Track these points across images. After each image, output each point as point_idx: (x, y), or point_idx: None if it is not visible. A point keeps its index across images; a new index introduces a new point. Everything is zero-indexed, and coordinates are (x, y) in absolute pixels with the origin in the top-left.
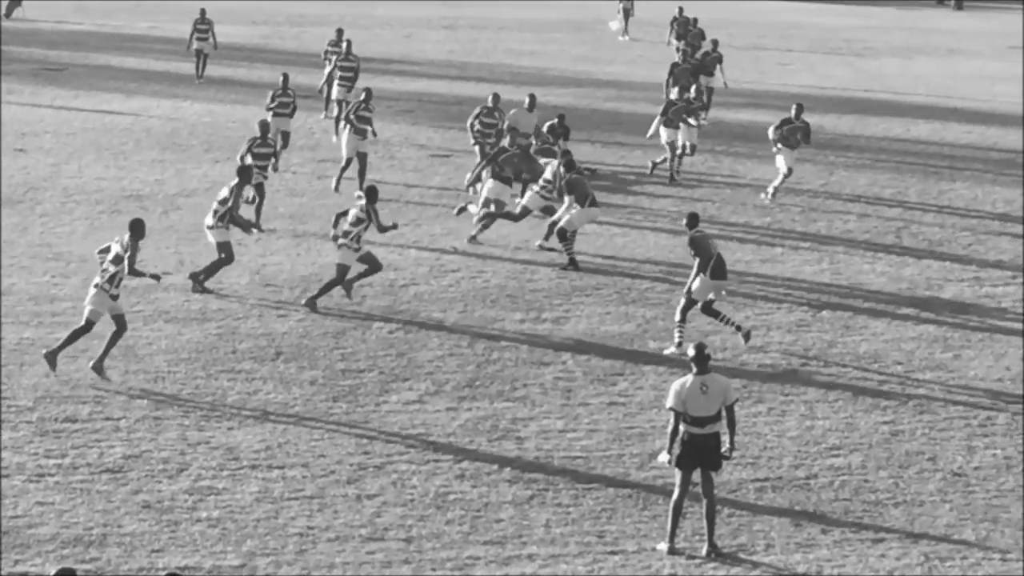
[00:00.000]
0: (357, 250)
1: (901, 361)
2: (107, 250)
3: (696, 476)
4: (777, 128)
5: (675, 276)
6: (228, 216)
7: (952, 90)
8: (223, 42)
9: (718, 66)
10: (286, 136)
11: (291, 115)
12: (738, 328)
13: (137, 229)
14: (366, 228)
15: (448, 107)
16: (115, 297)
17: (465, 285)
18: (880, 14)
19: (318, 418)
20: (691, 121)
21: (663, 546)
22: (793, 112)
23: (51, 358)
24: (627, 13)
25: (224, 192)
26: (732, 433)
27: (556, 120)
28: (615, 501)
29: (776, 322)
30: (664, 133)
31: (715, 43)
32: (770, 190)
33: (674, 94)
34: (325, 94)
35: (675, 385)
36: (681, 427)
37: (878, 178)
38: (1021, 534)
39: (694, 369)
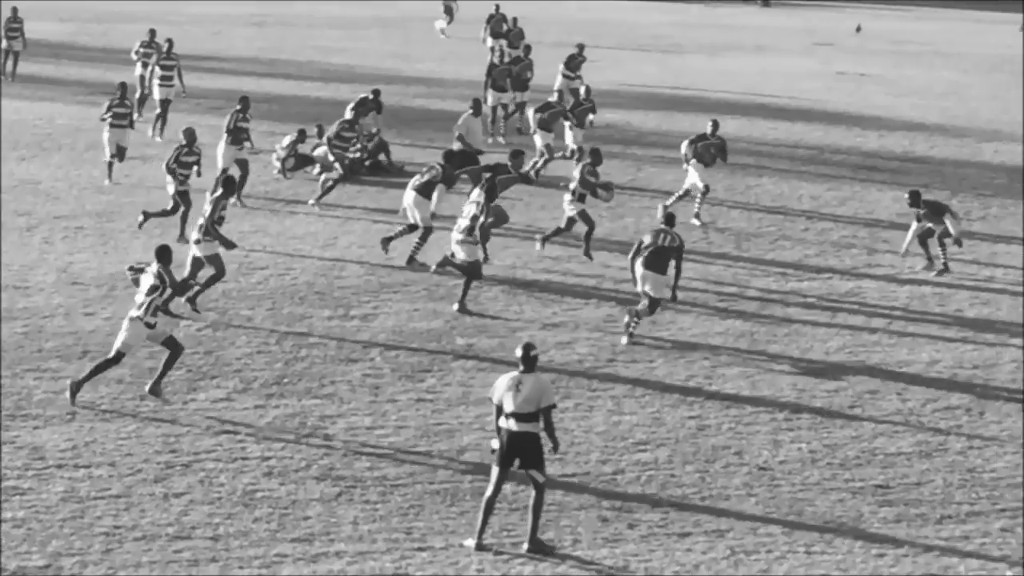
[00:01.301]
0: (475, 243)
1: (708, 356)
2: (138, 282)
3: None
4: (691, 143)
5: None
6: (207, 228)
7: (758, 86)
8: (30, 39)
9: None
10: (122, 151)
11: (130, 126)
12: (631, 331)
13: (164, 255)
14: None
15: (257, 104)
16: (153, 326)
17: (273, 283)
18: (687, 10)
19: (125, 416)
20: (589, 121)
21: (470, 542)
22: (709, 128)
23: (75, 389)
24: (450, 11)
25: (208, 205)
26: (550, 435)
27: (371, 95)
28: (423, 498)
29: (583, 318)
30: (540, 137)
31: (581, 47)
32: (695, 211)
33: (491, 97)
34: (139, 95)
35: (499, 379)
36: (503, 422)
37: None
38: (824, 527)
39: (520, 367)
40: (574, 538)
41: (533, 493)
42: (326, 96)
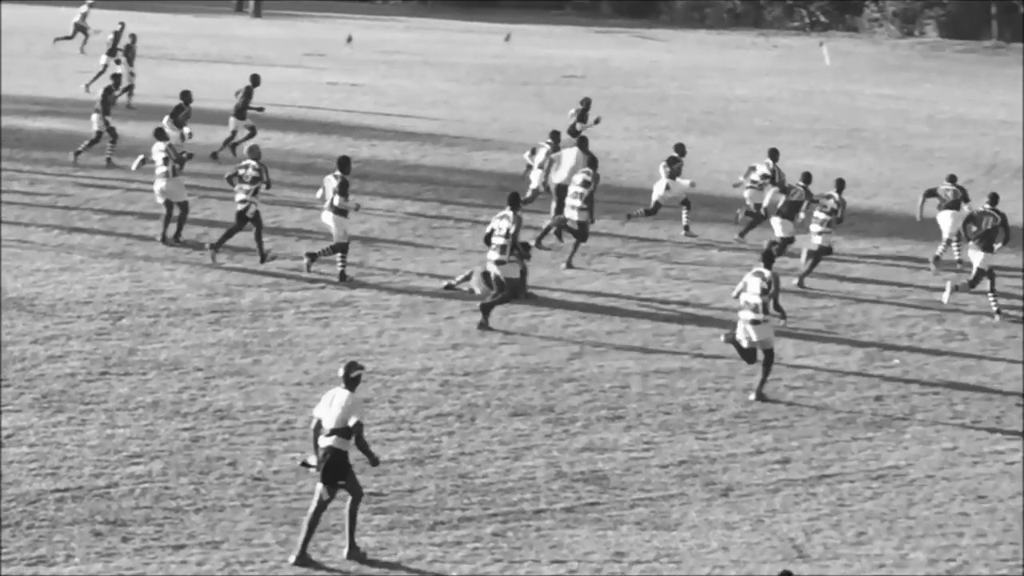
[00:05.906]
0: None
1: (201, 367)
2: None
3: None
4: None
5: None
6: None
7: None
8: None
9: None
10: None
11: None
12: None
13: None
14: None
15: None
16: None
17: None
18: (176, 20)
19: None
20: None
21: (292, 558)
22: (987, 203)
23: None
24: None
25: None
26: (363, 451)
27: None
28: None
29: (76, 331)
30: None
31: (255, 78)
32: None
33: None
34: None
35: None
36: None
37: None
38: (320, 535)
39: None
40: (67, 553)
41: (349, 501)
42: None
